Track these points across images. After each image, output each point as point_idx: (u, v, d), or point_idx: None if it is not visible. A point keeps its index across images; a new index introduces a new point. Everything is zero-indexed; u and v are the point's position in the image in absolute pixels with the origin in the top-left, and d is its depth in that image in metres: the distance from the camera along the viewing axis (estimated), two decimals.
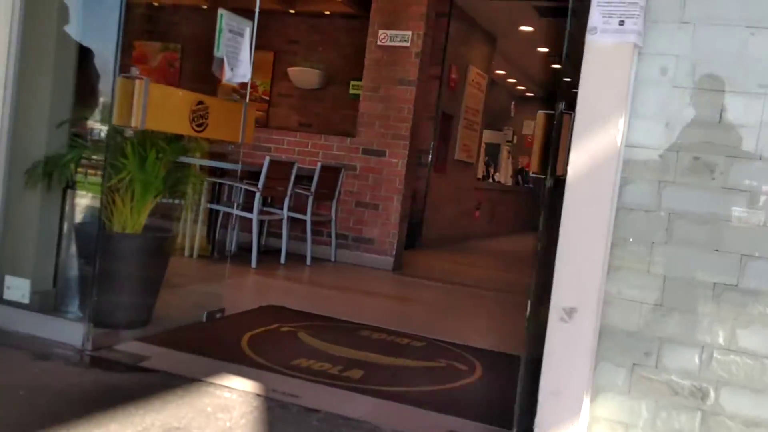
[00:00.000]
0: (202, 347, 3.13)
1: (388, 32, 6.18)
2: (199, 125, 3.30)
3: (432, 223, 8.20)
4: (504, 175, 12.64)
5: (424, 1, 6.09)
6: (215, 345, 3.22)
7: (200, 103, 3.30)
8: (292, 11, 8.92)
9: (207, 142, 3.47)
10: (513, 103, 14.27)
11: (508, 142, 14.61)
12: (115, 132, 3.02)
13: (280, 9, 8.77)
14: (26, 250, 3.34)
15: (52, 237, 3.43)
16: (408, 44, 6.12)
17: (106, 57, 3.03)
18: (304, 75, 8.87)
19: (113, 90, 2.95)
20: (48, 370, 2.64)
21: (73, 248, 3.49)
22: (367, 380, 2.94)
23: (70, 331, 2.94)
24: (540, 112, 2.32)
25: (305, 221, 6.00)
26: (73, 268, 3.50)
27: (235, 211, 5.49)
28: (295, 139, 6.55)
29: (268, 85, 8.82)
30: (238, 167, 5.37)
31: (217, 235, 5.78)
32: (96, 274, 3.04)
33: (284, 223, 5.84)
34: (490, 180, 11.34)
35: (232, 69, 3.52)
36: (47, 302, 3.29)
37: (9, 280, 3.18)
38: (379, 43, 6.22)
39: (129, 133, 3.00)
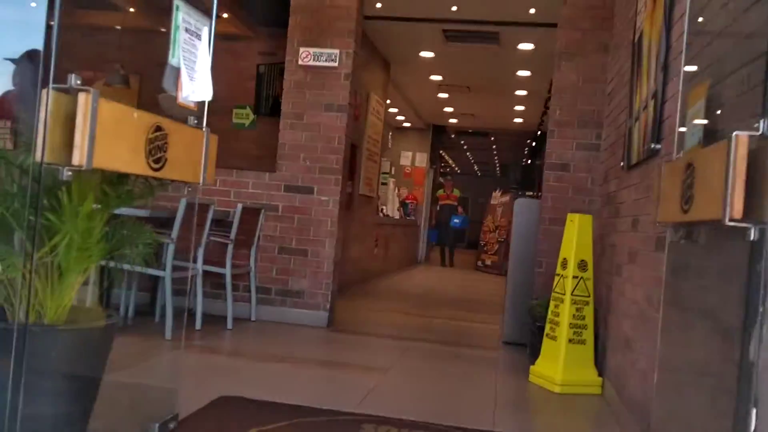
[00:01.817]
0: None
1: (312, 50, 5.33)
2: (156, 161, 2.28)
3: (340, 266, 7.35)
4: (392, 208, 12.09)
5: (353, 16, 5.32)
6: None
7: (158, 129, 2.28)
8: (162, 29, 7.78)
9: (158, 183, 2.44)
10: (390, 133, 13.82)
11: (384, 173, 14.11)
12: (44, 174, 1.93)
13: (151, 26, 7.64)
14: None
15: None
16: (336, 64, 5.30)
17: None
18: (173, 103, 7.71)
19: (39, 109, 1.88)
20: None
21: None
22: None
23: None
24: (739, 134, 1.63)
25: (221, 275, 4.94)
26: None
27: (143, 269, 4.31)
28: None
29: None
30: (145, 213, 4.22)
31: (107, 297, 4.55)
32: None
33: (198, 279, 4.74)
34: (380, 214, 10.72)
35: (190, 83, 2.54)
36: None
37: None
38: (301, 62, 5.35)
39: (64, 174, 1.92)
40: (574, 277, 3.88)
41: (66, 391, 2.21)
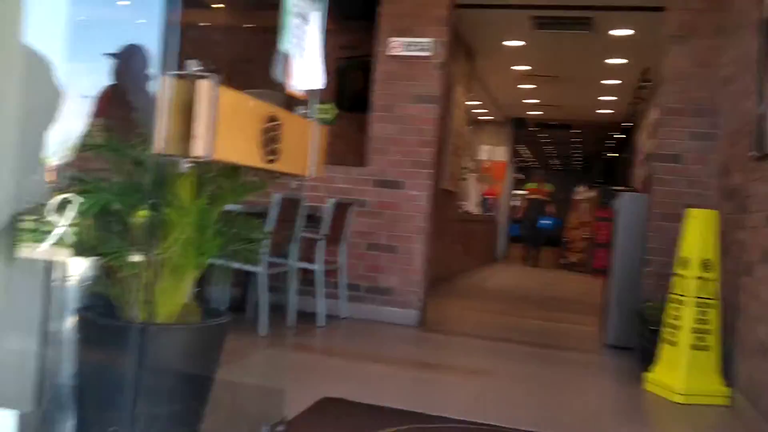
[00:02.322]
0: None
1: (402, 40, 5.16)
2: (270, 153, 2.15)
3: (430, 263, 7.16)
4: (472, 204, 11.82)
5: (445, 3, 5.12)
6: None
7: (273, 119, 2.15)
8: (246, 25, 7.79)
9: (268, 175, 2.32)
10: (470, 127, 13.54)
11: (463, 168, 13.84)
12: (161, 166, 1.83)
13: (231, 23, 7.64)
14: (4, 357, 2.08)
15: (33, 332, 2.18)
16: (428, 54, 5.11)
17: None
18: (263, 99, 7.70)
19: (158, 97, 1.77)
20: None
21: (65, 349, 2.24)
22: None
23: None
24: None
25: (310, 271, 4.84)
26: (67, 378, 2.24)
27: (240, 265, 4.25)
28: None
29: None
30: (237, 208, 4.14)
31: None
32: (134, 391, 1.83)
33: (291, 275, 4.65)
34: (461, 210, 10.48)
35: (300, 70, 2.40)
36: None
37: None
38: (390, 53, 5.19)
39: (181, 167, 1.81)
40: (698, 278, 3.57)
41: (181, 390, 2.11)
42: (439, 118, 5.16)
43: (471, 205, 11.86)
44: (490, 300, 7.47)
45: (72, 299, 2.26)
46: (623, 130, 14.32)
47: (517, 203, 19.64)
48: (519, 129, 14.65)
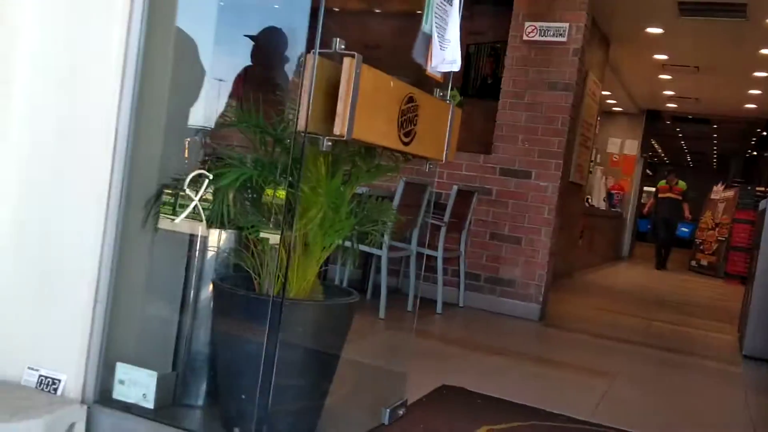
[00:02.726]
0: None
1: (538, 24, 4.99)
2: (406, 134, 2.12)
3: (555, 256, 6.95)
4: (597, 198, 11.36)
5: None
6: None
7: (411, 100, 2.12)
8: (377, 10, 7.82)
9: (403, 158, 2.30)
10: (598, 118, 13.00)
11: (591, 160, 13.32)
12: (299, 144, 1.85)
13: (361, 8, 7.68)
14: (148, 322, 2.20)
15: (174, 300, 2.29)
16: (565, 39, 4.92)
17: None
18: None
19: (302, 75, 1.78)
20: None
21: (202, 318, 2.33)
22: None
23: None
24: None
25: (431, 257, 4.81)
26: (202, 345, 2.33)
27: (367, 248, 4.28)
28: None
29: None
30: (362, 190, 4.17)
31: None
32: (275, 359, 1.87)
33: (412, 260, 4.64)
34: (586, 203, 10.09)
35: (440, 52, 2.35)
36: (165, 396, 2.14)
37: (123, 369, 2.02)
38: (526, 38, 5.03)
39: (323, 145, 1.82)
40: None
41: (310, 365, 2.14)
42: (572, 107, 4.96)
43: (597, 199, 11.40)
44: (614, 299, 7.14)
45: (210, 270, 2.35)
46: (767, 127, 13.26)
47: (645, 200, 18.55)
48: (652, 122, 13.89)
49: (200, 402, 2.31)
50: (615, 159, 13.45)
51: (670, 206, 11.39)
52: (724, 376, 4.14)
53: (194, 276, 2.33)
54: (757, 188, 11.18)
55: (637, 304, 7.10)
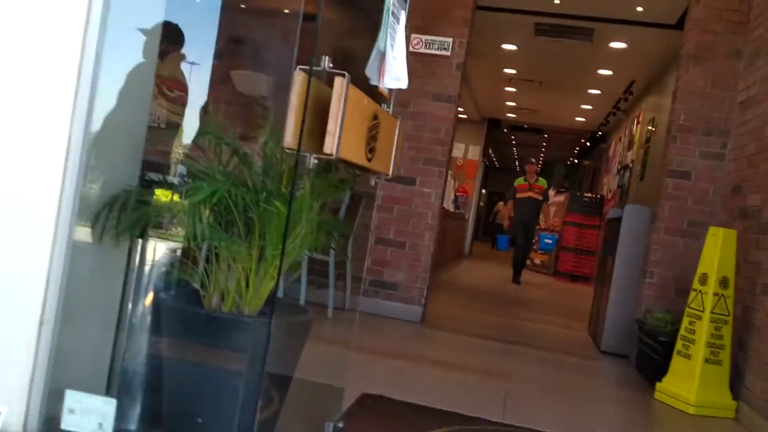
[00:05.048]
0: None
1: (423, 38, 5.17)
2: (370, 151, 2.14)
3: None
4: (447, 201, 11.94)
5: (469, 4, 5.15)
6: None
7: (375, 117, 2.15)
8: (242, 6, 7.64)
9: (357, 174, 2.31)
10: None
11: None
12: (297, 161, 1.81)
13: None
14: (86, 343, 2.03)
15: (111, 318, 2.13)
16: (448, 53, 5.14)
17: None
18: (249, 79, 7.59)
19: (291, 92, 1.75)
20: None
21: (139, 337, 2.19)
22: None
23: None
24: None
25: (325, 262, 4.82)
26: (139, 367, 2.19)
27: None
28: None
29: None
30: None
31: None
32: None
33: (304, 265, 4.61)
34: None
35: (391, 69, 2.39)
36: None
37: (74, 397, 1.84)
38: (412, 49, 5.19)
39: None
40: (715, 294, 3.71)
41: (270, 385, 2.09)
42: (454, 118, 5.20)
43: (447, 201, 11.97)
44: (473, 298, 7.57)
45: (149, 284, 2.22)
46: (592, 138, 14.66)
47: (500, 205, 19.13)
48: (492, 129, 14.84)
49: (135, 427, 2.17)
50: (459, 163, 14.18)
51: (531, 207, 9.78)
52: (593, 371, 4.57)
53: (132, 291, 2.19)
54: (585, 194, 12.32)
55: (493, 302, 7.58)
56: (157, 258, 2.24)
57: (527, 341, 5.29)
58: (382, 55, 2.35)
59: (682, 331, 3.84)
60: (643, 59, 7.99)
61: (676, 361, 3.84)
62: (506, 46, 8.46)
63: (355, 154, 2.00)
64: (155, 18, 2.24)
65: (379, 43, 2.33)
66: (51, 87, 1.79)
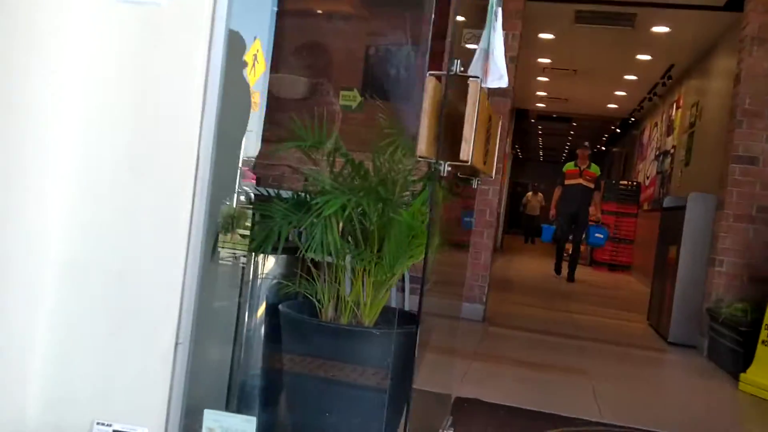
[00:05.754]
0: None
1: (477, 32, 5.08)
2: (485, 154, 2.10)
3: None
4: None
5: None
6: None
7: (489, 119, 2.10)
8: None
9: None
10: None
11: None
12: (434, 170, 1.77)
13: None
14: (213, 361, 2.01)
15: (229, 332, 2.11)
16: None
17: None
18: (285, 83, 7.56)
19: (423, 98, 1.71)
20: None
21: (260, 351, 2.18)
22: None
23: None
24: None
25: None
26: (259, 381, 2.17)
27: None
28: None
29: None
30: None
31: None
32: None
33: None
34: None
35: (496, 67, 2.34)
36: None
37: (212, 416, 1.82)
38: (464, 44, 5.11)
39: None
40: None
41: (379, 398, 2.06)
42: (512, 112, 5.13)
43: None
44: (520, 292, 7.52)
45: (262, 297, 2.20)
46: (623, 125, 14.49)
47: (529, 195, 18.88)
48: (519, 120, 14.70)
49: None
50: None
51: (580, 195, 8.81)
52: (668, 364, 4.51)
53: (248, 305, 2.17)
54: (621, 182, 12.17)
55: (541, 295, 7.52)
56: (267, 270, 2.21)
57: (590, 335, 5.22)
58: (486, 55, 2.31)
59: (766, 321, 3.76)
60: (685, 43, 7.86)
61: (762, 351, 3.76)
62: (543, 36, 8.35)
63: (478, 158, 1.96)
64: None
65: (483, 43, 2.29)
66: (181, 99, 1.76)
